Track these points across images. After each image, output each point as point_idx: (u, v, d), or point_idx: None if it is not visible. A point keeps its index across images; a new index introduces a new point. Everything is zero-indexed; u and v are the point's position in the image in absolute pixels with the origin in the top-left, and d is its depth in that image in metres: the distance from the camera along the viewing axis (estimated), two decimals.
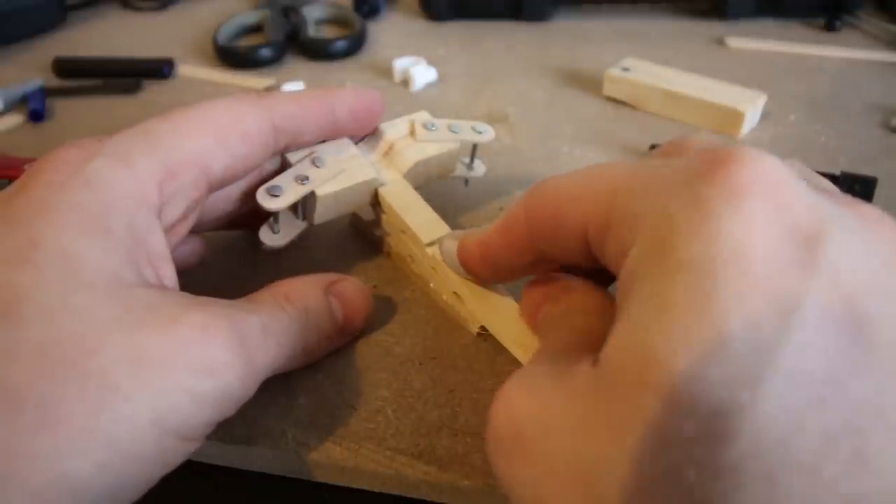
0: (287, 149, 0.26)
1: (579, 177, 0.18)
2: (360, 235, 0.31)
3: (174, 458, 0.18)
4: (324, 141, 0.27)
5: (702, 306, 0.13)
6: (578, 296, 0.20)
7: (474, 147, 0.31)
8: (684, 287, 0.13)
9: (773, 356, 0.12)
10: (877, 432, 0.12)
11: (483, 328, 0.25)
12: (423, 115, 0.29)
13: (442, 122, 0.29)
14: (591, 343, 0.16)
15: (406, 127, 0.29)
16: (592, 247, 0.18)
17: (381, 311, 0.27)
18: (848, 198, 0.16)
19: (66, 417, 0.16)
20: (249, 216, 0.27)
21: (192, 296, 0.20)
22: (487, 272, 0.23)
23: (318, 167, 0.26)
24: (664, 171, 0.16)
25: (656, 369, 0.13)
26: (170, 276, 0.21)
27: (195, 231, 0.25)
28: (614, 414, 0.13)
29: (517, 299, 0.23)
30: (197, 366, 0.18)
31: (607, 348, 0.14)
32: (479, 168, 0.32)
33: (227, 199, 0.26)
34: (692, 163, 0.15)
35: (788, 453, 0.12)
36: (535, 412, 0.15)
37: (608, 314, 0.18)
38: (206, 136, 0.22)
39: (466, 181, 0.32)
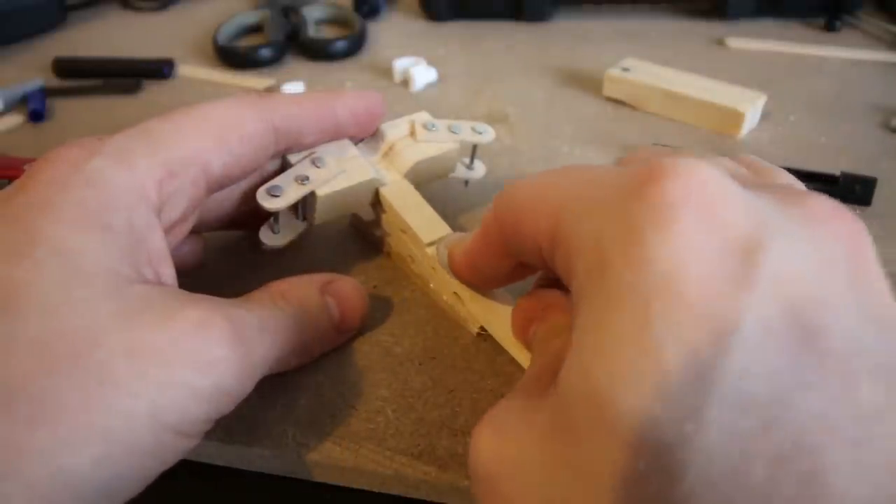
0: (288, 150, 0.26)
1: (536, 186, 0.18)
2: (360, 236, 0.31)
3: (172, 454, 0.18)
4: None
5: (639, 339, 0.12)
6: (557, 314, 0.20)
7: (474, 148, 0.31)
8: (621, 319, 0.13)
9: (713, 382, 0.12)
10: (831, 449, 0.12)
11: (483, 328, 0.25)
12: (423, 116, 0.29)
13: (442, 123, 0.29)
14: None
15: (406, 127, 0.29)
16: (546, 261, 0.17)
17: (381, 311, 0.27)
18: (795, 192, 0.15)
19: (63, 411, 0.16)
20: (250, 216, 0.27)
21: (189, 293, 0.20)
22: (476, 279, 0.23)
23: (318, 167, 0.26)
24: (601, 188, 0.15)
25: (603, 408, 0.13)
26: (169, 274, 0.21)
27: (195, 231, 0.25)
28: (573, 455, 0.13)
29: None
30: (194, 361, 0.18)
31: (560, 382, 0.14)
32: (480, 169, 0.32)
33: (227, 199, 0.26)
34: (625, 179, 0.15)
35: (739, 481, 0.12)
36: (504, 454, 0.15)
37: None
38: (206, 136, 0.22)
39: (466, 182, 0.32)
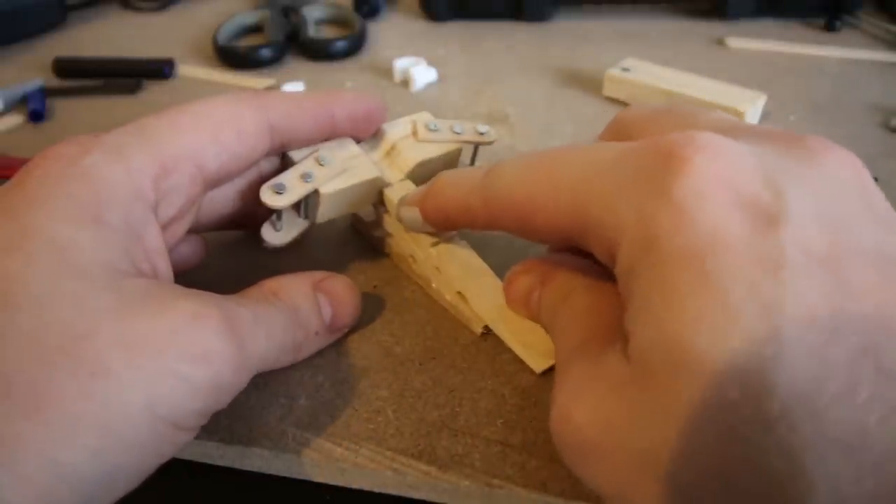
0: (283, 148, 0.26)
1: (535, 179, 0.19)
2: (360, 236, 0.31)
3: (169, 447, 0.18)
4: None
5: (705, 289, 0.14)
6: (561, 275, 0.21)
7: (476, 148, 0.31)
8: (682, 277, 0.14)
9: (778, 308, 0.13)
10: (889, 344, 0.14)
11: (487, 328, 0.25)
12: (424, 116, 0.29)
13: (444, 123, 0.29)
14: (603, 323, 0.18)
15: (408, 127, 0.29)
16: (575, 244, 0.19)
17: (382, 311, 0.27)
18: (790, 135, 0.17)
19: (57, 403, 0.16)
20: (249, 216, 0.27)
21: (184, 287, 0.20)
22: (454, 229, 0.25)
23: (322, 165, 0.26)
24: (624, 170, 0.17)
25: (688, 356, 0.14)
26: (165, 270, 0.21)
27: (195, 231, 0.25)
28: (661, 401, 0.14)
29: None
30: (189, 352, 0.18)
31: (635, 345, 0.15)
32: None
33: (225, 198, 0.26)
34: (650, 159, 0.16)
35: (824, 387, 0.13)
36: (590, 419, 0.16)
37: (604, 286, 0.20)
38: (201, 133, 0.22)
39: None
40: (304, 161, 0.26)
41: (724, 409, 0.13)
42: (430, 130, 0.29)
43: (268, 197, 0.24)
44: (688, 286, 0.14)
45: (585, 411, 0.16)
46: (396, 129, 0.29)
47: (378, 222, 0.29)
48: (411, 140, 0.28)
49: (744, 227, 0.15)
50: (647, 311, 0.15)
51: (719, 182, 0.15)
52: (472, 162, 0.31)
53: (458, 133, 0.29)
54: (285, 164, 0.27)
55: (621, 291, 0.17)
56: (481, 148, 0.31)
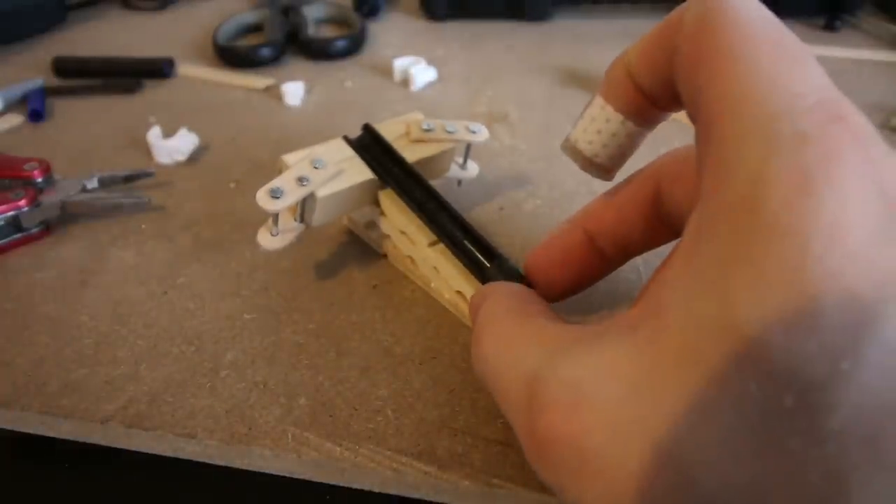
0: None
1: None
2: (355, 238, 0.31)
3: None
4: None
5: (797, 278, 0.12)
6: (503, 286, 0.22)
7: (468, 147, 0.31)
8: (777, 257, 0.13)
9: (872, 326, 0.12)
10: None
11: None
12: (416, 116, 0.30)
13: (437, 123, 0.29)
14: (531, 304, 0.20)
15: (401, 127, 0.29)
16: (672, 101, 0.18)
17: (381, 310, 0.27)
18: None
19: None
20: None
21: None
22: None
23: (317, 168, 0.26)
24: (784, 114, 0.14)
25: (748, 343, 0.12)
26: None
27: None
28: (701, 394, 0.13)
29: None
30: None
31: (674, 308, 0.14)
32: (473, 169, 0.32)
33: None
34: (804, 122, 0.14)
35: (889, 416, 0.12)
36: (590, 375, 0.15)
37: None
38: None
39: (459, 182, 0.32)
40: (298, 164, 0.26)
41: (777, 416, 0.12)
42: (424, 131, 0.29)
43: (264, 201, 0.24)
44: (781, 272, 0.12)
45: (580, 370, 0.15)
46: (390, 130, 0.29)
47: (373, 223, 0.29)
48: (405, 140, 0.28)
49: (869, 229, 0.13)
50: (713, 279, 0.13)
51: (856, 166, 0.13)
52: (465, 162, 0.31)
53: (450, 132, 0.29)
54: (282, 167, 0.27)
55: (685, 241, 0.15)
56: (481, 147, 0.31)
